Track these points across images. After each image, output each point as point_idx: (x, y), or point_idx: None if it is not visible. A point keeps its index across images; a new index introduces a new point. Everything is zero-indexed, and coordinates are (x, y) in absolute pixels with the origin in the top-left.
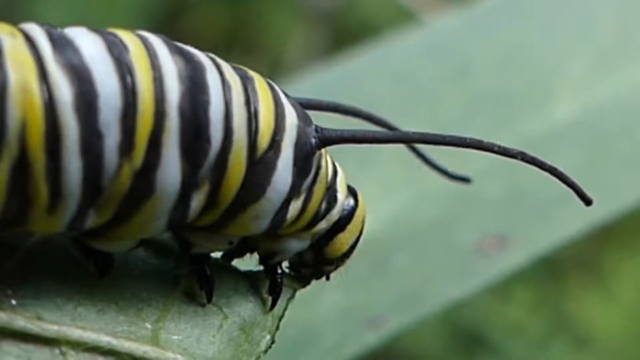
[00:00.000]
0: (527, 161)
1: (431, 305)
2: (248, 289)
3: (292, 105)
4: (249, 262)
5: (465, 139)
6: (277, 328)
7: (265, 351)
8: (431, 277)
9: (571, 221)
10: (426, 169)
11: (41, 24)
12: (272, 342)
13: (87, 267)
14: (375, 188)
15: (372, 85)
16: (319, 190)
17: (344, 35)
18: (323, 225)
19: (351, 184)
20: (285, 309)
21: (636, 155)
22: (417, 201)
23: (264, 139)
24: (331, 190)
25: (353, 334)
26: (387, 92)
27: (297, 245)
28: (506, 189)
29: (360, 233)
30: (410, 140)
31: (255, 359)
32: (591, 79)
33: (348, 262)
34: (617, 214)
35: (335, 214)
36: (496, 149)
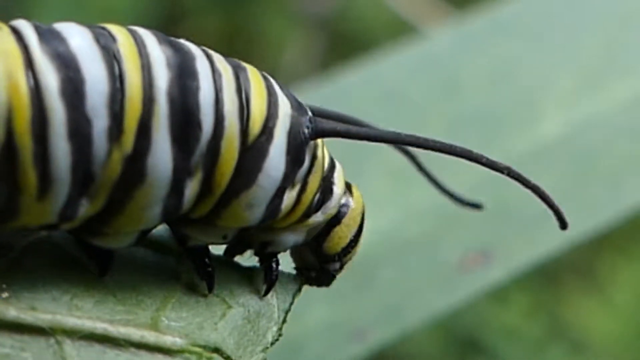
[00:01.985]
0: (512, 177)
1: (415, 319)
2: (252, 283)
3: (286, 95)
4: (252, 260)
5: (456, 147)
6: (285, 321)
7: (272, 343)
8: (415, 292)
9: (554, 237)
10: (412, 186)
11: (28, 20)
12: (280, 334)
13: (86, 264)
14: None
15: (360, 102)
16: (313, 181)
17: (340, 41)
18: (319, 217)
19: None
20: (292, 302)
21: (620, 172)
22: (402, 218)
23: (255, 125)
24: (327, 182)
25: (338, 346)
26: (376, 109)
27: (292, 238)
28: (489, 205)
29: (361, 227)
30: (401, 141)
31: (262, 349)
32: (576, 97)
33: (354, 258)
34: (600, 230)
35: (331, 207)
36: (484, 160)
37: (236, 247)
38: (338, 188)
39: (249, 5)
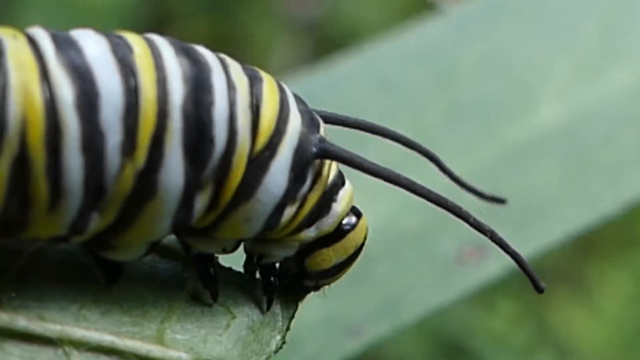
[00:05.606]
0: (494, 241)
1: (411, 314)
2: (256, 291)
3: (301, 111)
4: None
5: (448, 201)
6: (288, 329)
7: (276, 351)
8: (411, 287)
9: (551, 231)
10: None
11: (46, 28)
12: (283, 342)
13: (95, 273)
14: (357, 198)
15: (355, 91)
16: (313, 197)
17: (327, 45)
18: (312, 232)
19: (360, 209)
20: (296, 309)
21: (618, 163)
22: (397, 211)
23: (260, 140)
24: (326, 197)
25: (333, 343)
26: (371, 99)
27: (282, 252)
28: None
29: (350, 259)
30: (400, 183)
31: (265, 359)
32: (574, 86)
33: (333, 284)
34: (597, 224)
35: (328, 223)
36: (471, 220)
37: (248, 260)
38: (339, 206)
39: (236, 9)
